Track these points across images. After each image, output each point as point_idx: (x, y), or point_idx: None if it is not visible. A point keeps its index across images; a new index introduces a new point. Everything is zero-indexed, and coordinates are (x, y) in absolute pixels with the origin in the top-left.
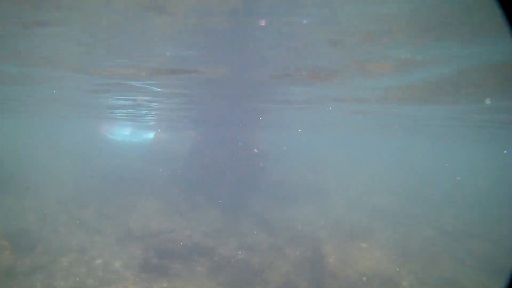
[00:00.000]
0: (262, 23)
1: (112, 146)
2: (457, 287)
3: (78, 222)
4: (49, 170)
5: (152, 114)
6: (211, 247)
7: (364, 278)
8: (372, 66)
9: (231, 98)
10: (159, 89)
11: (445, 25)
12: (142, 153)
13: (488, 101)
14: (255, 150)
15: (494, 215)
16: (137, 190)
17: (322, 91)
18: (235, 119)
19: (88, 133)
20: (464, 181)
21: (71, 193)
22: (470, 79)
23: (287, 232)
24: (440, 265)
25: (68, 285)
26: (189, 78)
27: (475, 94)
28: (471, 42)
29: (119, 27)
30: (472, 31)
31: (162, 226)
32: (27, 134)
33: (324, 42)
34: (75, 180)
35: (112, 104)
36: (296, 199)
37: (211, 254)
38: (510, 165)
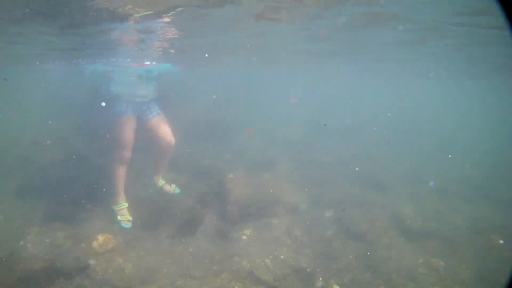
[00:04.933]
0: None
1: None
2: (344, 205)
3: None
4: None
5: None
6: None
7: (265, 204)
8: None
9: None
10: None
11: None
12: None
13: None
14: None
15: (385, 140)
16: None
17: None
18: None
19: None
20: (367, 111)
21: None
22: None
23: (193, 169)
24: (334, 188)
25: None
26: None
27: None
28: None
29: None
30: None
31: (64, 174)
32: None
33: None
34: None
35: None
36: (203, 137)
37: None
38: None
